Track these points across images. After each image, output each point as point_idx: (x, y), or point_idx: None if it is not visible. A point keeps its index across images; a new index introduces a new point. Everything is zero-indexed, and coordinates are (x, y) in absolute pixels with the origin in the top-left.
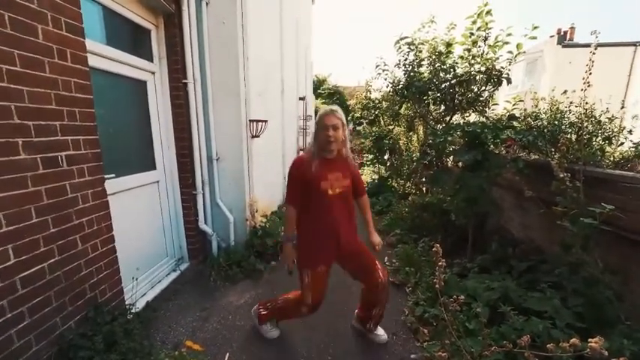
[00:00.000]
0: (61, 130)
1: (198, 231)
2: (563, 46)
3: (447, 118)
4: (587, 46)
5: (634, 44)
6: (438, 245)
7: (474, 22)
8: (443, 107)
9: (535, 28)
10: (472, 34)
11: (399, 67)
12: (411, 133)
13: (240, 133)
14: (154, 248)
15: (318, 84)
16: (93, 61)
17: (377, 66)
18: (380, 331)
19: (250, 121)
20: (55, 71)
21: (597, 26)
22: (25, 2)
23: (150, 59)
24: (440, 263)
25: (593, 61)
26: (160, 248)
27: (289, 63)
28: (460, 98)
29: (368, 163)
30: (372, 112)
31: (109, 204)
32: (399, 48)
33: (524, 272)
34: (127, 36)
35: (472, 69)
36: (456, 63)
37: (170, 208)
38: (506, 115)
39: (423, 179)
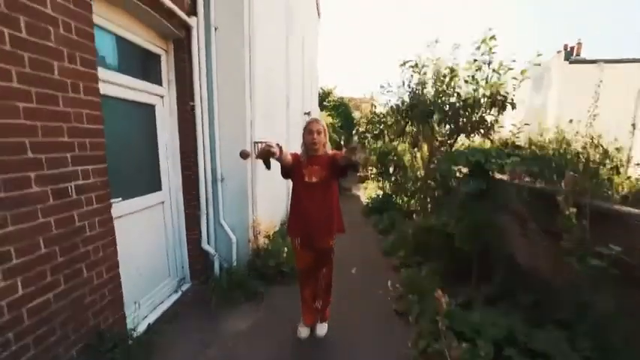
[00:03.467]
0: (72, 161)
1: (201, 251)
2: (570, 62)
3: (452, 141)
4: (595, 62)
5: None
6: (440, 294)
7: (478, 48)
8: (447, 128)
9: (539, 55)
10: (476, 60)
11: (404, 88)
12: (415, 149)
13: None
14: (156, 269)
15: (323, 96)
16: (104, 88)
17: (382, 87)
18: (321, 327)
19: (255, 142)
20: (68, 105)
21: (607, 40)
22: (44, 41)
23: (159, 83)
24: (442, 306)
25: (598, 95)
26: (163, 268)
27: (295, 79)
28: (464, 121)
29: (372, 176)
30: (377, 126)
31: (114, 230)
32: (403, 71)
33: (531, 306)
34: (138, 62)
35: (476, 93)
36: (460, 87)
37: (174, 228)
38: (511, 139)
39: (428, 199)
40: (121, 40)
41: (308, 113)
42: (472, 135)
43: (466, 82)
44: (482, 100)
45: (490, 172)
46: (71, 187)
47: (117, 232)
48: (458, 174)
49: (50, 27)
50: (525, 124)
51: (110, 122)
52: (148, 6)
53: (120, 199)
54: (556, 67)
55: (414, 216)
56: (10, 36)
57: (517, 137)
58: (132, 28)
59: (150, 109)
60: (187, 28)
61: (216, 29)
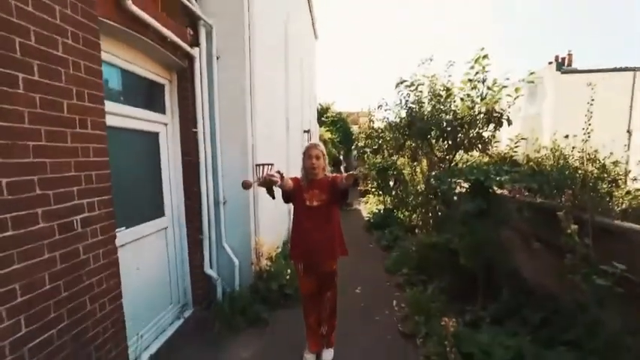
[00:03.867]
0: (78, 195)
1: (204, 276)
2: (562, 72)
3: (450, 156)
4: (586, 72)
5: (633, 69)
6: (447, 320)
7: (472, 68)
8: (446, 144)
9: (532, 73)
10: (470, 80)
11: (400, 106)
12: (415, 164)
13: (246, 177)
14: (159, 296)
15: (322, 112)
16: (110, 120)
17: (379, 106)
18: (327, 353)
19: (256, 165)
20: (76, 140)
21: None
22: (55, 82)
23: (163, 112)
24: (450, 330)
25: (591, 112)
26: (165, 295)
27: (294, 99)
28: (462, 137)
29: (373, 190)
30: (376, 141)
31: (118, 260)
32: (400, 91)
33: (539, 325)
34: (143, 92)
35: (472, 111)
36: (457, 106)
37: (177, 254)
38: (509, 154)
39: (429, 214)
40: (126, 73)
41: (307, 131)
42: (470, 150)
43: (462, 100)
44: (478, 117)
45: (490, 189)
46: (77, 220)
47: (120, 261)
48: (458, 189)
49: (61, 68)
50: (522, 139)
51: (115, 152)
52: (153, 41)
53: (124, 227)
54: (548, 78)
55: (417, 231)
56: (24, 79)
57: (514, 152)
58: (138, 61)
59: (154, 136)
60: (190, 58)
61: (218, 58)
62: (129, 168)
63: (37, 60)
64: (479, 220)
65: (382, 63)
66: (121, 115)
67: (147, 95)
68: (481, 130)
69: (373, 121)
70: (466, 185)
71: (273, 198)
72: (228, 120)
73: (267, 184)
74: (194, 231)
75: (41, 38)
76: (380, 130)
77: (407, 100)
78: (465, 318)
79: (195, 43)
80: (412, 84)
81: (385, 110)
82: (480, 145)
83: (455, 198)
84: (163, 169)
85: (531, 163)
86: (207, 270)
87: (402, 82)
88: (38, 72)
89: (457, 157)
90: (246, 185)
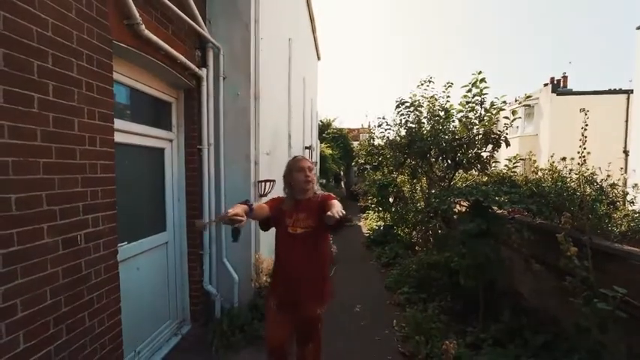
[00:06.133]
0: (83, 210)
1: (203, 292)
2: (558, 94)
3: (450, 175)
4: (581, 93)
5: (626, 92)
6: (448, 344)
7: (469, 91)
8: (446, 164)
9: (528, 97)
10: (468, 102)
11: (400, 126)
12: (415, 181)
13: (248, 192)
14: (157, 311)
15: (323, 128)
16: (117, 137)
17: (379, 125)
18: None
19: (259, 181)
20: (85, 157)
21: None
22: (68, 101)
23: (169, 129)
24: (451, 353)
25: (586, 137)
26: (163, 311)
27: (296, 117)
28: (461, 157)
29: (373, 206)
30: (376, 158)
31: (119, 276)
32: (400, 112)
33: (541, 348)
34: (150, 110)
35: (470, 132)
36: (456, 127)
37: (177, 269)
38: (507, 174)
39: (429, 232)
40: (135, 92)
41: (309, 147)
42: (469, 170)
43: (460, 121)
44: (476, 138)
45: (490, 209)
46: (80, 235)
47: (120, 276)
48: (457, 208)
49: (74, 88)
50: (520, 159)
51: (121, 167)
52: (164, 63)
53: (125, 242)
54: (544, 99)
55: (417, 248)
56: (39, 99)
57: (513, 172)
58: (147, 80)
59: (159, 152)
60: (197, 78)
61: (224, 78)
62: (133, 183)
63: (52, 81)
64: (478, 239)
65: (384, 80)
66: (128, 132)
67: (154, 113)
68: (479, 151)
69: (374, 139)
70: (465, 204)
71: (235, 240)
72: (233, 137)
73: (229, 223)
74: (195, 246)
75: (58, 61)
76: (380, 148)
77: (407, 120)
78: (466, 339)
79: (203, 64)
80: (412, 104)
81: (385, 129)
82: (478, 165)
83: (455, 217)
84: (167, 184)
85: (530, 185)
86: (207, 286)
87: (402, 104)
88: (53, 92)
89: (456, 176)
90: (199, 226)
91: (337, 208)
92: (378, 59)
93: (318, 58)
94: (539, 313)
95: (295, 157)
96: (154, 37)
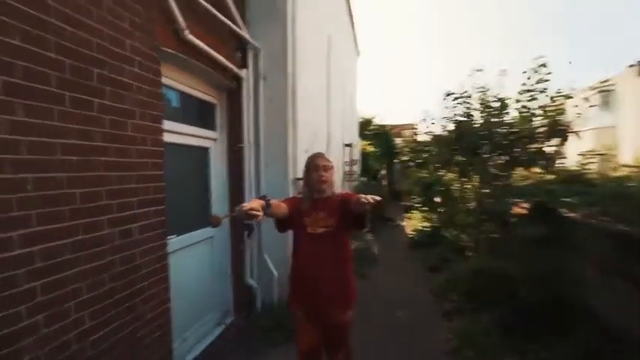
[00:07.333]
0: (137, 205)
1: (244, 285)
2: None
3: (507, 173)
4: None
5: None
6: None
7: (529, 78)
8: (501, 160)
9: (605, 82)
10: (528, 90)
11: (448, 120)
12: (465, 180)
13: (287, 190)
14: (203, 301)
15: (364, 125)
16: (169, 137)
17: (424, 120)
18: None
19: (297, 179)
20: (138, 156)
21: None
22: (122, 105)
23: (213, 129)
24: None
25: None
26: (209, 301)
27: (335, 114)
28: (520, 152)
29: (418, 206)
30: (421, 155)
31: (168, 266)
32: (447, 105)
33: None
34: (197, 112)
35: (531, 124)
36: (514, 120)
37: (221, 262)
38: (579, 172)
39: (482, 236)
40: (184, 95)
41: (349, 145)
42: (531, 167)
43: (519, 111)
44: (539, 131)
45: (556, 212)
46: (135, 228)
47: (170, 267)
48: (516, 210)
49: (127, 92)
50: (596, 154)
51: (172, 165)
52: (207, 65)
53: (175, 235)
54: (627, 84)
55: (467, 253)
56: (98, 104)
57: (587, 169)
58: (194, 84)
59: (204, 151)
60: (238, 79)
61: (264, 78)
62: (182, 180)
63: (108, 86)
64: (544, 246)
65: (429, 73)
66: (179, 133)
67: (200, 114)
68: (543, 145)
69: (418, 134)
70: (526, 206)
71: (249, 236)
72: (271, 135)
73: (245, 218)
74: (237, 241)
75: (113, 68)
76: (425, 144)
77: (455, 113)
78: (527, 358)
79: (243, 65)
80: (460, 96)
81: (431, 123)
82: (542, 162)
83: (512, 219)
84: (211, 181)
85: (610, 184)
86: (248, 280)
87: (449, 95)
88: (109, 97)
89: (514, 174)
90: (213, 221)
91: (371, 195)
92: (423, 51)
93: (358, 54)
94: (621, 335)
95: (314, 154)
96: (198, 42)
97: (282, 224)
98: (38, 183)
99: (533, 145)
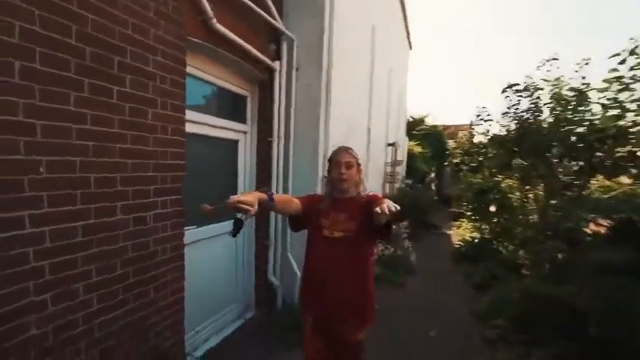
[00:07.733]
0: (153, 193)
1: (266, 282)
2: None
3: (582, 182)
4: None
5: None
6: None
7: (622, 62)
8: (575, 166)
9: None
10: (619, 78)
11: (508, 116)
12: (527, 187)
13: (316, 186)
14: (223, 294)
15: (413, 124)
16: (197, 129)
17: (478, 116)
18: None
19: (324, 176)
20: (156, 144)
21: None
22: (143, 93)
23: (244, 122)
24: None
25: None
26: (229, 294)
27: (378, 110)
28: (602, 156)
29: (468, 214)
30: (475, 157)
31: (184, 256)
32: (507, 96)
33: None
34: (228, 104)
35: (622, 121)
36: (595, 115)
37: (245, 256)
38: None
39: (543, 255)
40: (216, 88)
41: (392, 144)
42: (616, 176)
43: (603, 106)
44: (632, 130)
45: None
46: (150, 215)
47: (189, 257)
48: (591, 228)
49: (149, 81)
50: None
51: (201, 157)
52: (238, 57)
53: (195, 226)
54: None
55: (523, 272)
56: (117, 92)
57: None
58: (226, 76)
59: (234, 143)
60: (271, 71)
61: (297, 69)
62: (209, 172)
63: (129, 74)
64: (627, 276)
65: (490, 69)
66: (207, 125)
67: (231, 107)
68: (636, 149)
69: (473, 135)
70: (606, 223)
71: (234, 233)
72: (302, 129)
73: (235, 211)
74: (261, 237)
75: (135, 56)
76: (481, 146)
77: (517, 109)
78: None
79: (276, 57)
80: (526, 88)
81: (486, 121)
82: (633, 170)
83: (586, 239)
84: (239, 174)
85: None
86: (271, 277)
87: (510, 87)
88: (130, 85)
89: (592, 183)
90: (201, 210)
91: (388, 203)
92: (483, 47)
93: (410, 48)
94: None
95: (338, 147)
96: (227, 32)
97: (295, 222)
98: (51, 166)
99: (623, 149)
